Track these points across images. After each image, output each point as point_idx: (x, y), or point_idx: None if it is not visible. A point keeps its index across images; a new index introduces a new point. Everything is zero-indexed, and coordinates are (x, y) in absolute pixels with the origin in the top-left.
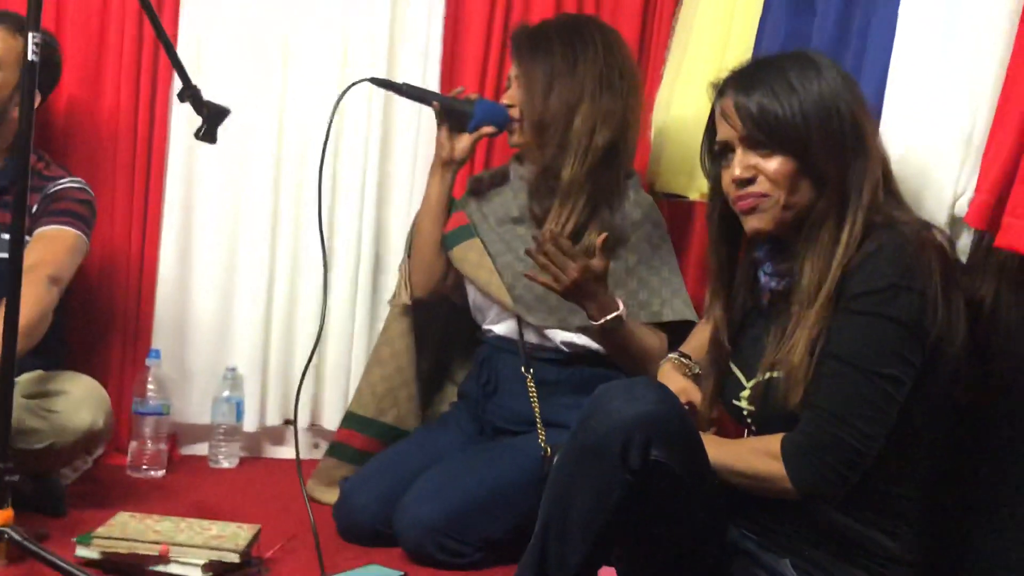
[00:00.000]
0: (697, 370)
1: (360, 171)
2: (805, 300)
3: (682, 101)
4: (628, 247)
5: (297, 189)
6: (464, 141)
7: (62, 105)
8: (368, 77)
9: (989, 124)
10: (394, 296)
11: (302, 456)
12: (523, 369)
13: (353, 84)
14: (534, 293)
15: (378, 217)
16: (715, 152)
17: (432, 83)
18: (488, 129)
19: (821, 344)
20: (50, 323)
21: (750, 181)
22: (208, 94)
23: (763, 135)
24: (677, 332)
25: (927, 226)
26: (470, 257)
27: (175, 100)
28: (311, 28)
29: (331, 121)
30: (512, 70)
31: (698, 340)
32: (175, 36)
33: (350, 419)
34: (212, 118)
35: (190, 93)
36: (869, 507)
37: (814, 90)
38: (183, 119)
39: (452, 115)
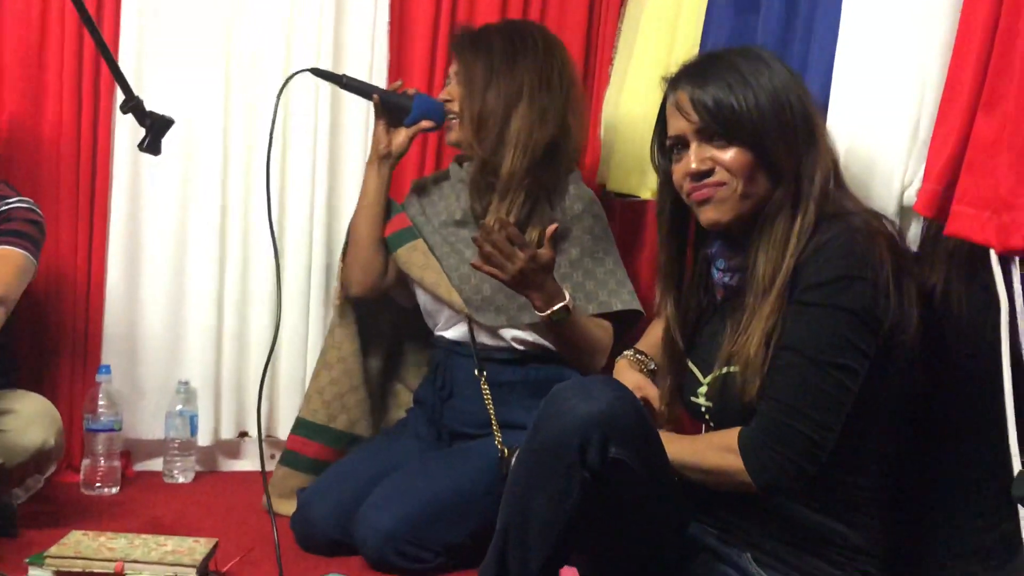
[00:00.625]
0: (653, 366)
1: (309, 181)
2: (759, 291)
3: (630, 100)
4: (570, 240)
5: (245, 199)
6: (401, 136)
7: (3, 122)
8: (309, 67)
9: (935, 113)
10: (334, 297)
11: (258, 468)
12: (476, 372)
13: (294, 74)
14: (482, 294)
15: (328, 224)
16: (667, 147)
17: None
18: (426, 124)
19: (775, 336)
20: None
21: (707, 174)
22: (151, 105)
23: (719, 127)
24: (622, 324)
25: (877, 216)
26: (415, 259)
27: (118, 112)
28: (254, 33)
29: (276, 109)
30: (451, 67)
31: (653, 337)
32: (115, 47)
33: (300, 426)
34: (156, 129)
35: (132, 104)
36: (828, 498)
37: (766, 83)
38: (127, 131)
39: (390, 109)
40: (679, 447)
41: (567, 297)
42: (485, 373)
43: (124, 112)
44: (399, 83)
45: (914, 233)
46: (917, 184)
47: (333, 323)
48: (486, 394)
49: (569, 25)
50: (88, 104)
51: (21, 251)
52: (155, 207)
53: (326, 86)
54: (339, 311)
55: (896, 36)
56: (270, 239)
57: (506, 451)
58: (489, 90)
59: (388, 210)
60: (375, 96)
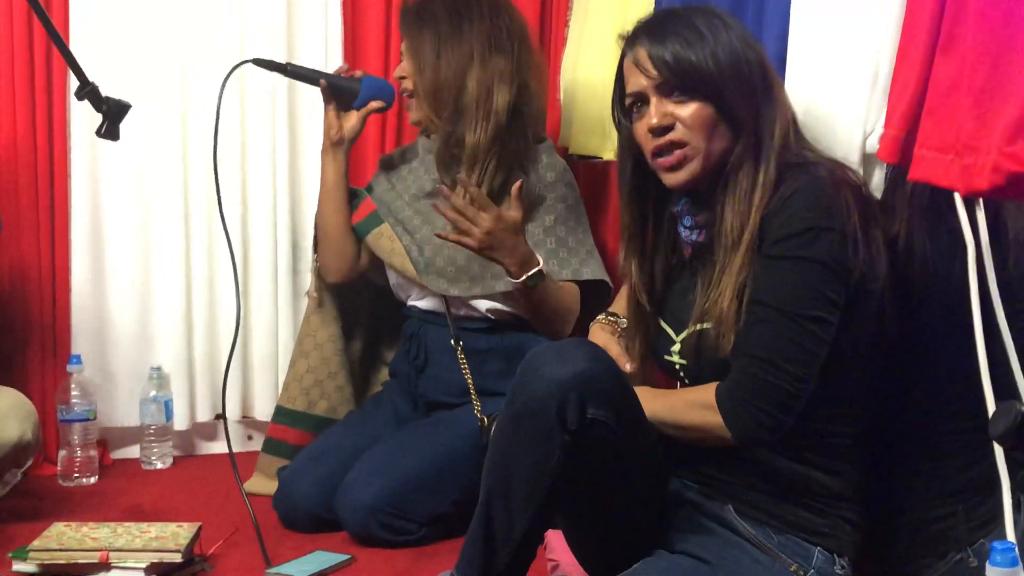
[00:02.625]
0: (625, 325)
1: (270, 158)
2: (728, 246)
3: (588, 61)
4: (544, 207)
5: (207, 182)
6: (352, 119)
7: None
8: (251, 59)
9: (893, 58)
10: (310, 288)
11: (236, 449)
12: (452, 342)
13: (236, 67)
14: (455, 265)
15: (292, 203)
16: (626, 106)
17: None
18: (376, 104)
19: (747, 291)
20: None
21: (668, 128)
22: (106, 90)
23: (678, 82)
24: (590, 295)
25: (841, 166)
26: (383, 244)
27: (73, 99)
28: (207, 14)
29: (219, 100)
30: (402, 45)
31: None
32: (66, 33)
33: (280, 414)
34: (113, 114)
35: (87, 90)
36: (806, 448)
37: (724, 39)
38: (83, 118)
39: (338, 94)
40: (656, 405)
41: (540, 261)
42: (462, 343)
43: (79, 99)
44: (344, 66)
45: (878, 180)
46: (879, 131)
47: (308, 310)
48: (463, 363)
49: None
50: (41, 92)
51: None
52: (116, 194)
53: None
54: (316, 298)
55: None
56: (224, 229)
57: (485, 420)
58: (439, 60)
59: (352, 196)
60: (322, 81)
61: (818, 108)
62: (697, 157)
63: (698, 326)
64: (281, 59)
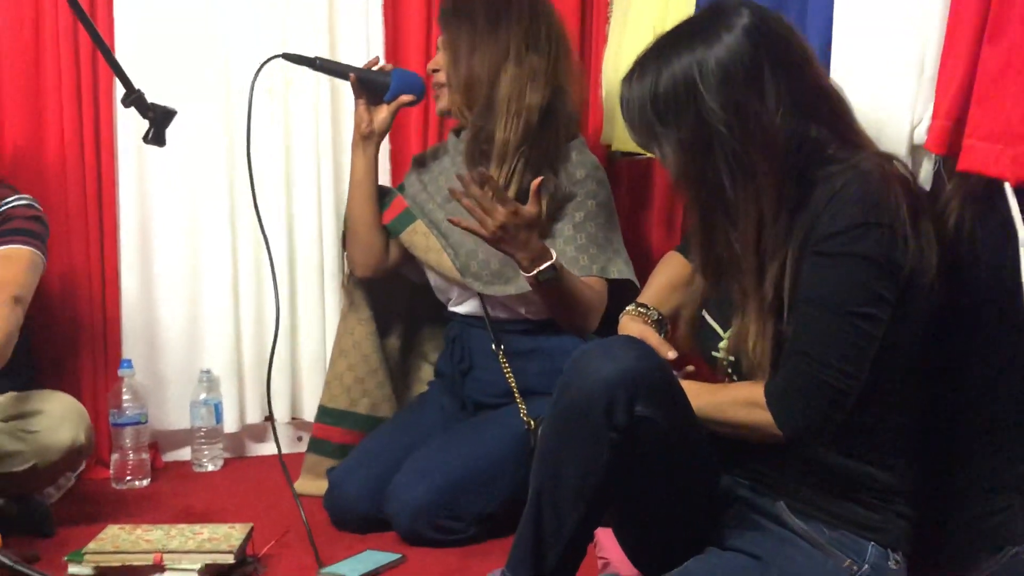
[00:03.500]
0: (657, 316)
1: (314, 158)
2: (768, 252)
3: (630, 59)
4: (575, 204)
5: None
6: (383, 113)
7: (3, 125)
8: (280, 53)
9: (940, 48)
10: (344, 280)
11: (286, 450)
12: (493, 347)
13: (266, 61)
14: (490, 268)
15: (337, 203)
16: None
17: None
18: (406, 98)
19: (787, 292)
20: (15, 343)
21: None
22: (151, 96)
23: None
24: (615, 291)
25: (888, 158)
26: (417, 242)
27: (119, 106)
28: (249, 15)
29: (251, 95)
30: (439, 38)
31: (655, 288)
32: (112, 40)
33: (323, 413)
34: (159, 120)
35: (133, 97)
36: (858, 442)
37: (674, 72)
38: (130, 125)
39: (368, 87)
40: (703, 401)
41: (553, 256)
42: (503, 347)
43: (126, 106)
44: (375, 59)
45: (926, 172)
46: (927, 122)
47: (344, 309)
48: (505, 367)
49: None
50: (88, 100)
51: (28, 248)
52: (164, 198)
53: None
54: (348, 296)
55: None
56: (261, 229)
57: (532, 423)
58: (474, 55)
59: (383, 194)
60: (351, 75)
61: (864, 100)
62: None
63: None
64: (324, 54)
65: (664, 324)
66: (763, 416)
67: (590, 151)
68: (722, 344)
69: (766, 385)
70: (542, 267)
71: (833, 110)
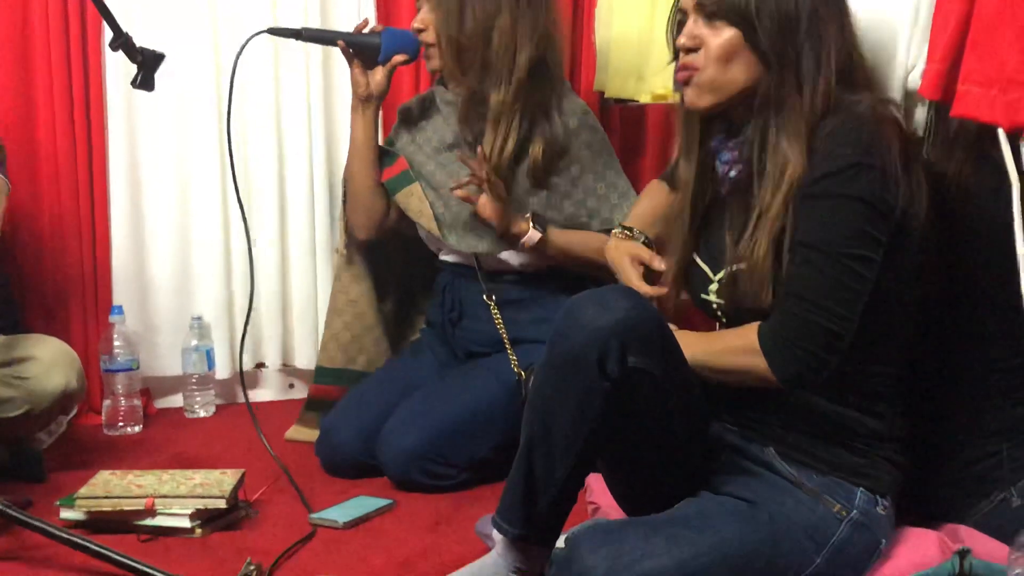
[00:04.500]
0: (643, 239)
1: (304, 107)
2: (769, 187)
3: (624, 5)
4: (569, 157)
5: (243, 130)
6: (379, 74)
7: None
8: (265, 28)
9: None
10: (339, 244)
11: (277, 397)
12: (484, 297)
13: (250, 38)
14: (483, 222)
15: (328, 153)
16: (677, 21)
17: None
18: (400, 58)
19: (788, 233)
20: None
21: (692, 51)
22: (140, 41)
23: (714, 7)
24: None
25: (883, 101)
26: (412, 204)
27: (108, 50)
28: None
29: (233, 74)
30: None
31: (640, 209)
32: None
33: (321, 373)
34: (147, 65)
35: (121, 41)
36: (847, 388)
37: None
38: (118, 69)
39: (360, 51)
40: (697, 349)
41: (528, 227)
42: (494, 297)
43: (114, 49)
44: (364, 20)
45: (920, 117)
46: (921, 67)
47: (338, 268)
48: (497, 318)
49: None
50: (76, 43)
51: None
52: (153, 144)
53: (315, 10)
54: (343, 255)
55: None
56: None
57: (523, 373)
58: (464, 13)
59: (384, 154)
60: (339, 42)
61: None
62: (708, 83)
63: (734, 267)
64: (314, 12)
65: (651, 245)
66: (757, 361)
67: (577, 95)
68: (712, 287)
69: (759, 329)
70: (530, 221)
71: (861, 57)
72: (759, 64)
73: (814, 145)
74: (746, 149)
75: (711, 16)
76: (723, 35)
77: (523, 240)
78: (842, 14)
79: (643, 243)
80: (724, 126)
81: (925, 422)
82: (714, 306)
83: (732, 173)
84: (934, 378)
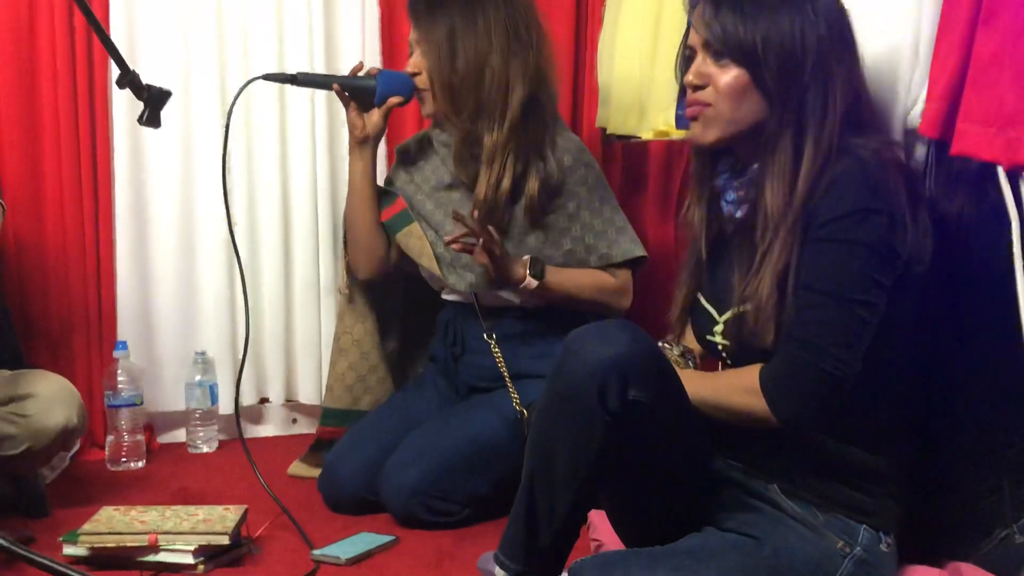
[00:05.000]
0: (679, 351)
1: (309, 144)
2: (770, 227)
3: (625, 41)
4: (565, 194)
5: (248, 164)
6: (375, 116)
7: None
8: (261, 75)
9: (934, 32)
10: (340, 284)
11: (280, 432)
12: (485, 336)
13: (245, 84)
14: (477, 268)
15: (332, 190)
16: (685, 56)
17: (372, 39)
18: (395, 100)
19: (792, 276)
20: None
21: (699, 88)
22: (146, 77)
23: (721, 47)
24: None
25: (887, 144)
26: (412, 244)
27: (114, 87)
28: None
29: (228, 118)
30: (411, 35)
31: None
32: (106, 22)
33: (328, 416)
34: (154, 102)
35: (128, 79)
36: (850, 427)
37: (785, 13)
38: (125, 106)
39: (355, 93)
40: (700, 387)
41: (525, 270)
42: (495, 336)
43: (120, 87)
44: (360, 64)
45: (920, 155)
46: (921, 105)
47: (341, 308)
48: (497, 355)
49: None
50: (83, 80)
51: None
52: (159, 180)
53: (320, 52)
54: (345, 295)
55: None
56: (234, 229)
57: (524, 412)
58: (456, 56)
59: (384, 194)
60: (334, 85)
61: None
62: (717, 119)
63: (739, 308)
64: (319, 39)
65: (691, 359)
66: (758, 403)
67: (571, 131)
68: (717, 328)
69: (761, 371)
70: (528, 266)
71: (869, 102)
72: (765, 103)
73: (819, 188)
74: (752, 190)
75: (718, 55)
76: (730, 74)
77: (521, 286)
78: (850, 53)
79: (680, 355)
80: (730, 163)
81: (928, 458)
82: (719, 347)
83: (738, 214)
84: (936, 415)
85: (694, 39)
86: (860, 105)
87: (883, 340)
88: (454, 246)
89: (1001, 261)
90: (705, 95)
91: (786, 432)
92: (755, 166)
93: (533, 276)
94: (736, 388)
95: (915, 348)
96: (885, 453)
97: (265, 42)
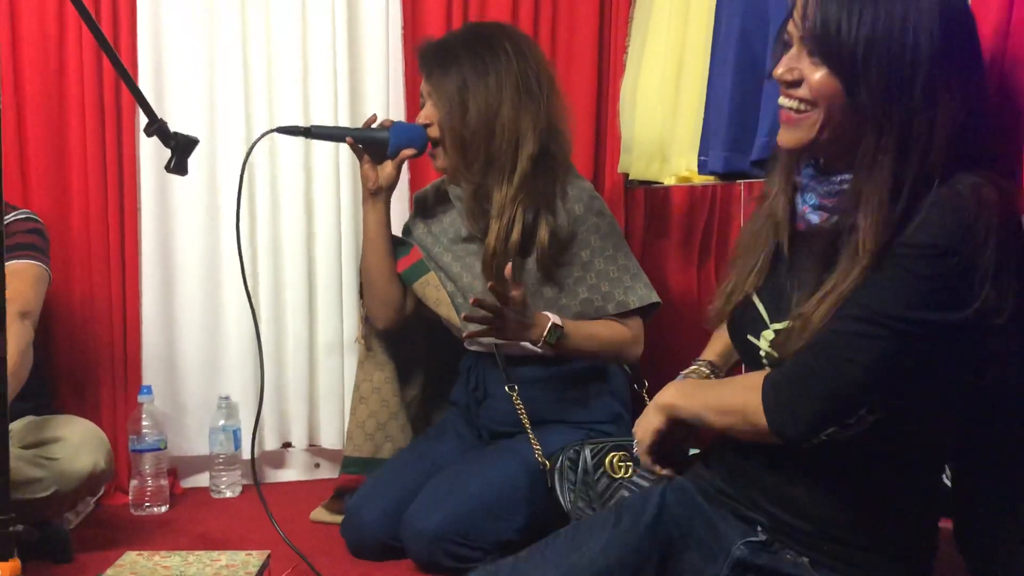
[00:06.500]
0: (720, 374)
1: (334, 189)
2: (851, 257)
3: (647, 87)
4: (578, 243)
5: (272, 211)
6: (388, 168)
7: (27, 151)
8: (275, 128)
9: None
10: (358, 334)
11: (303, 477)
12: (507, 388)
13: (260, 137)
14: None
15: (356, 237)
16: (783, 41)
17: (397, 90)
18: (408, 152)
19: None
20: (32, 363)
21: (792, 84)
22: (173, 125)
23: (817, 46)
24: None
25: (993, 179)
26: (429, 294)
27: (142, 134)
28: (271, 47)
29: (243, 170)
30: (423, 86)
31: (720, 344)
32: (134, 69)
33: (349, 464)
34: (181, 149)
35: (156, 127)
36: (886, 483)
37: (897, 12)
38: (151, 153)
39: (369, 145)
40: (708, 392)
41: (551, 319)
42: (516, 388)
43: (148, 135)
44: (373, 116)
45: None
46: None
47: (361, 356)
48: (518, 404)
49: (582, 15)
50: (111, 127)
51: (30, 262)
52: (185, 226)
53: (344, 93)
54: (365, 343)
55: None
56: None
57: (547, 463)
58: (467, 109)
59: (398, 243)
60: (347, 139)
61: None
62: (808, 123)
63: (794, 323)
64: (343, 85)
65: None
66: (753, 399)
67: (583, 179)
68: (767, 334)
69: (769, 373)
70: (545, 332)
71: (987, 132)
72: (856, 118)
73: (910, 215)
74: (839, 202)
75: (812, 54)
76: (824, 78)
77: (538, 346)
78: (971, 66)
79: (710, 374)
80: (813, 160)
81: (961, 505)
82: (762, 353)
83: (815, 219)
84: (970, 463)
85: (791, 27)
86: (978, 130)
87: (937, 388)
88: (472, 332)
89: None
90: (805, 92)
91: (780, 452)
92: (844, 177)
93: (547, 343)
94: (741, 384)
95: (972, 398)
96: (916, 520)
97: (290, 91)
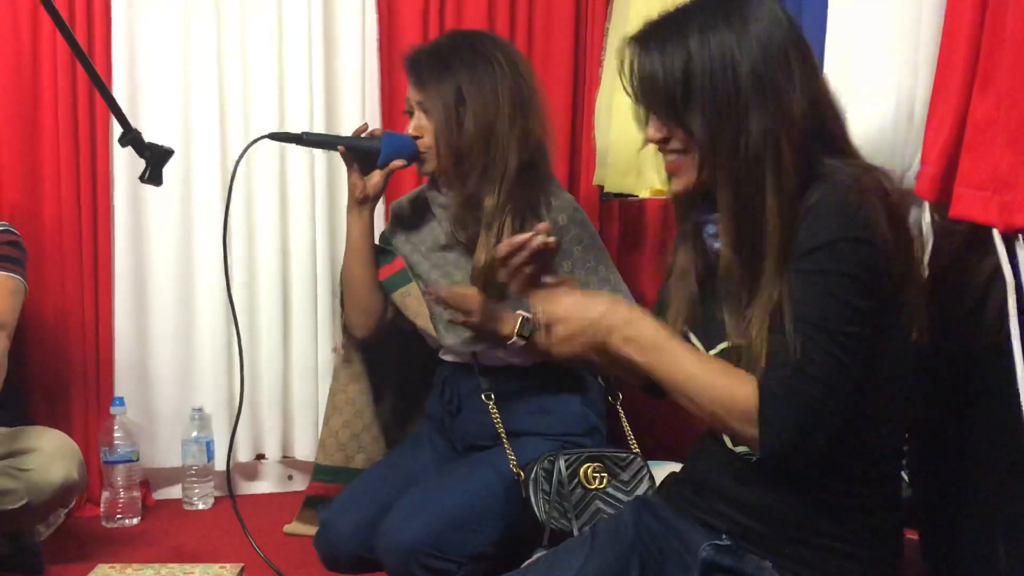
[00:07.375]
0: None
1: (308, 200)
2: (749, 266)
3: (622, 100)
4: (560, 253)
5: (247, 222)
6: (376, 177)
7: (1, 159)
8: (267, 134)
9: (929, 96)
10: (336, 344)
11: (277, 489)
12: (484, 397)
13: (253, 142)
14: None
15: (332, 247)
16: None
17: (372, 98)
18: (398, 163)
19: (784, 305)
20: (6, 372)
21: (662, 141)
22: (147, 135)
23: (647, 101)
24: None
25: (868, 171)
26: (409, 304)
27: (116, 144)
28: (245, 56)
29: (233, 177)
30: (411, 95)
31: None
32: (108, 78)
33: (320, 472)
34: (156, 160)
35: (130, 137)
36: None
37: (710, 43)
38: (125, 163)
39: (359, 155)
40: (693, 360)
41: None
42: (493, 396)
43: (123, 145)
44: (364, 124)
45: (915, 217)
46: (916, 168)
47: (337, 366)
48: (494, 414)
49: (557, 26)
50: (85, 137)
51: (8, 275)
52: (158, 237)
53: (320, 102)
54: (345, 353)
55: (886, 20)
56: (232, 275)
57: (521, 473)
58: (463, 120)
59: (382, 252)
60: (340, 147)
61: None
62: (689, 164)
63: (731, 343)
64: (319, 91)
65: None
66: (748, 392)
67: (565, 191)
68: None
69: (764, 375)
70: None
71: (835, 116)
72: (715, 147)
73: (797, 216)
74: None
75: (653, 112)
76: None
77: (509, 343)
78: (802, 67)
79: None
80: (710, 198)
81: (923, 515)
82: None
83: (717, 245)
84: (929, 473)
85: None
86: (826, 120)
87: (876, 373)
88: (453, 318)
89: (992, 319)
90: (673, 145)
91: (785, 498)
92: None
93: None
94: (732, 373)
95: (909, 394)
96: (880, 513)
97: (266, 100)
